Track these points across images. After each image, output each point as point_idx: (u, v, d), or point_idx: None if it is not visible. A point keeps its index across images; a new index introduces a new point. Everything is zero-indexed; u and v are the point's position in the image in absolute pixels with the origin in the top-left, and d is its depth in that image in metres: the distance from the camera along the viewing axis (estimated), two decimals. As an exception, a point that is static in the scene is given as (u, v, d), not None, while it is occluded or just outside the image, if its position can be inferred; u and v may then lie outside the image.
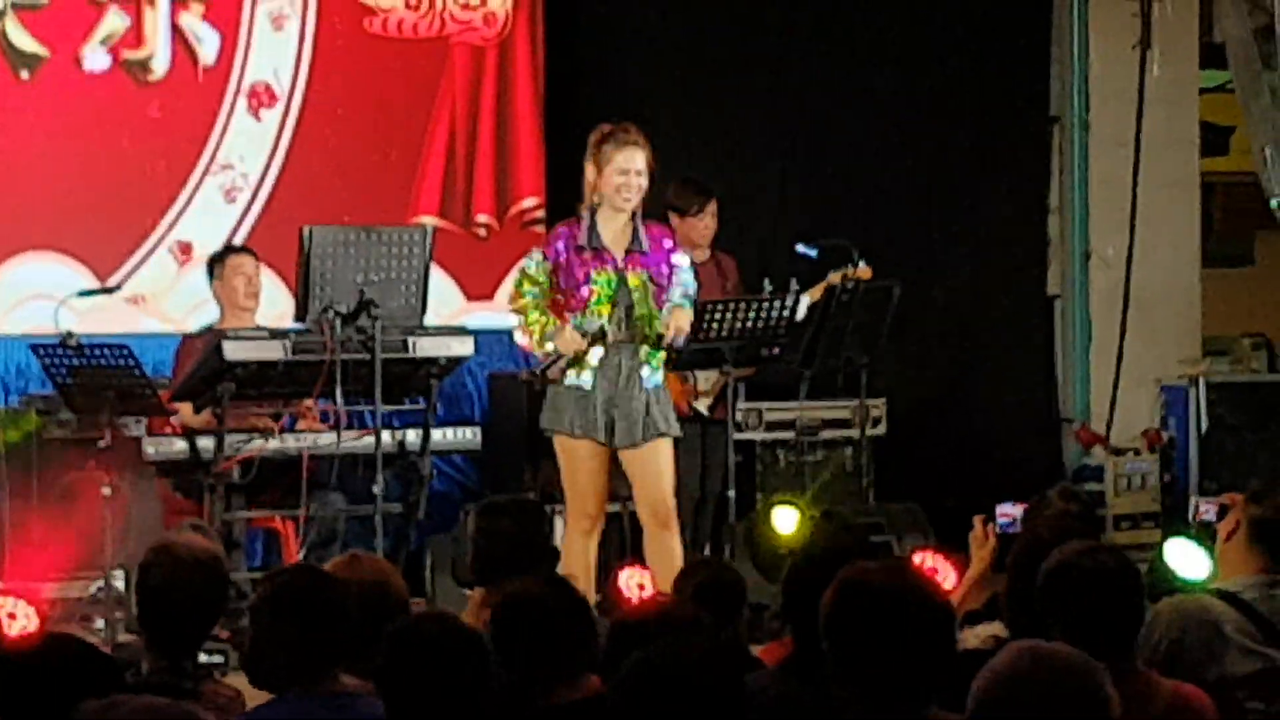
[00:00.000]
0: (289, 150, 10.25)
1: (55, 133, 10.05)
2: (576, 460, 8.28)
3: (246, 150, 10.08)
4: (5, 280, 9.87)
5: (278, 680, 4.93)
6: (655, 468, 8.39)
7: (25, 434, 9.63)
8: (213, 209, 10.16)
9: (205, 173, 9.99)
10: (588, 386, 8.21)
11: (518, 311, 8.27)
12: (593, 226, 8.18)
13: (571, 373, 8.19)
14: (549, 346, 8.20)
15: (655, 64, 11.13)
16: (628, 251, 8.24)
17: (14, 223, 9.99)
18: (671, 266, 8.35)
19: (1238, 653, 5.41)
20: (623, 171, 8.12)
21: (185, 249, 10.02)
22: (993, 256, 12.07)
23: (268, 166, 10.21)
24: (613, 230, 8.23)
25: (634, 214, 8.24)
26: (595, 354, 8.15)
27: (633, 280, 8.18)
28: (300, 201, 10.07)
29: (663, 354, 8.34)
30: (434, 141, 10.46)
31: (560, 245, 8.23)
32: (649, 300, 8.25)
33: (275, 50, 10.28)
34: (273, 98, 10.27)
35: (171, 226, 9.97)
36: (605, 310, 8.18)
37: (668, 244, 8.41)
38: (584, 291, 8.11)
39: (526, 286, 8.20)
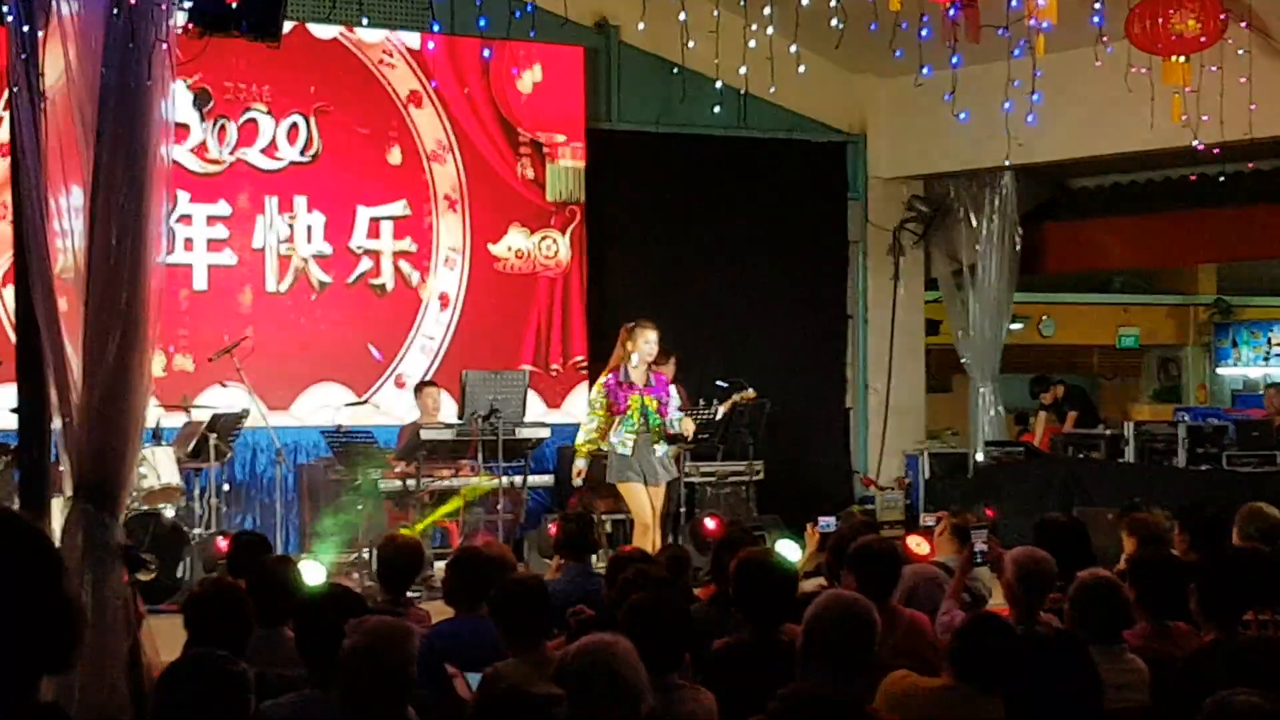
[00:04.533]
0: (456, 328, 14.39)
1: (342, 319, 14.03)
2: (636, 494, 11.51)
3: (435, 328, 14.34)
4: (308, 396, 13.82)
5: (456, 605, 6.61)
6: (660, 498, 11.68)
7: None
8: (418, 357, 14.30)
9: (412, 341, 14.28)
10: (628, 454, 11.45)
11: (589, 420, 11.60)
12: (626, 373, 11.50)
13: (625, 449, 11.41)
14: (579, 463, 11.76)
15: (642, 282, 15.18)
16: (645, 385, 11.54)
17: (313, 364, 13.93)
18: (668, 396, 11.76)
19: (941, 593, 6.96)
20: (648, 341, 11.53)
21: (400, 381, 14.13)
22: (818, 386, 16.39)
23: (444, 335, 14.39)
24: (637, 375, 11.49)
25: (649, 365, 11.56)
26: (630, 442, 11.35)
27: (648, 402, 11.51)
28: (460, 357, 14.07)
29: (665, 439, 11.64)
30: (529, 326, 14.62)
31: (611, 382, 11.53)
32: (656, 413, 11.57)
33: (449, 277, 14.45)
34: (448, 300, 14.45)
35: (396, 368, 14.16)
36: (635, 417, 11.29)
37: (666, 384, 11.82)
38: (624, 406, 11.44)
39: (598, 403, 11.55)
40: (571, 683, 4.25)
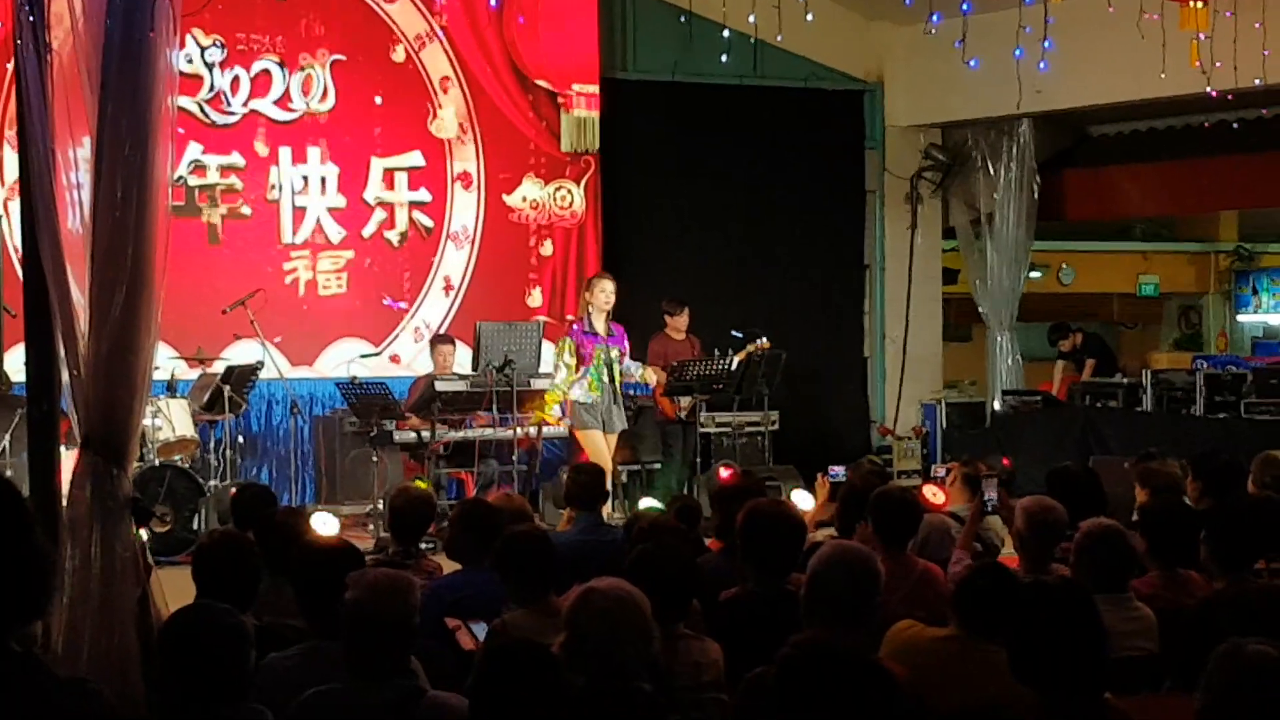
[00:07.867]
0: (471, 278, 14.47)
1: (356, 268, 14.15)
2: (596, 440, 11.99)
3: (453, 271, 14.41)
4: (332, 351, 13.97)
5: (459, 559, 6.69)
6: (614, 446, 12.10)
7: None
8: (434, 309, 14.40)
9: (428, 290, 14.40)
10: (591, 403, 11.91)
11: (560, 370, 11.98)
12: (590, 324, 11.98)
13: (589, 397, 11.84)
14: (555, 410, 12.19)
15: (658, 233, 15.44)
16: (607, 335, 11.98)
17: (338, 318, 14.17)
18: (625, 346, 12.13)
19: (952, 543, 7.16)
20: (604, 291, 12.03)
21: (418, 333, 14.32)
22: (835, 336, 16.53)
23: (460, 285, 14.44)
24: (599, 325, 11.96)
25: (607, 316, 12.01)
26: (596, 391, 11.76)
27: (612, 352, 12.00)
28: (475, 308, 14.23)
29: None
30: (544, 276, 14.79)
31: (578, 332, 11.98)
32: (618, 362, 12.01)
33: (466, 209, 14.49)
34: (461, 242, 14.52)
35: (411, 318, 14.29)
36: (600, 367, 11.77)
37: (624, 335, 12.12)
38: (590, 357, 11.87)
39: (567, 353, 11.97)
40: (579, 627, 4.25)
